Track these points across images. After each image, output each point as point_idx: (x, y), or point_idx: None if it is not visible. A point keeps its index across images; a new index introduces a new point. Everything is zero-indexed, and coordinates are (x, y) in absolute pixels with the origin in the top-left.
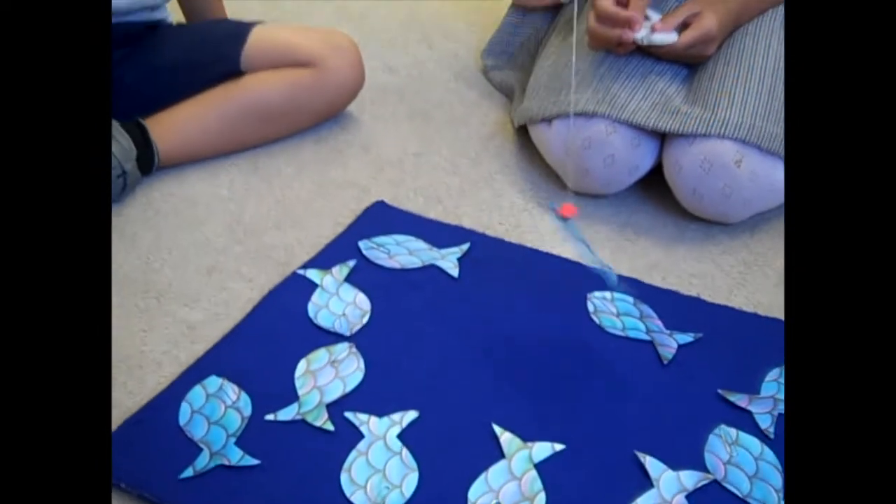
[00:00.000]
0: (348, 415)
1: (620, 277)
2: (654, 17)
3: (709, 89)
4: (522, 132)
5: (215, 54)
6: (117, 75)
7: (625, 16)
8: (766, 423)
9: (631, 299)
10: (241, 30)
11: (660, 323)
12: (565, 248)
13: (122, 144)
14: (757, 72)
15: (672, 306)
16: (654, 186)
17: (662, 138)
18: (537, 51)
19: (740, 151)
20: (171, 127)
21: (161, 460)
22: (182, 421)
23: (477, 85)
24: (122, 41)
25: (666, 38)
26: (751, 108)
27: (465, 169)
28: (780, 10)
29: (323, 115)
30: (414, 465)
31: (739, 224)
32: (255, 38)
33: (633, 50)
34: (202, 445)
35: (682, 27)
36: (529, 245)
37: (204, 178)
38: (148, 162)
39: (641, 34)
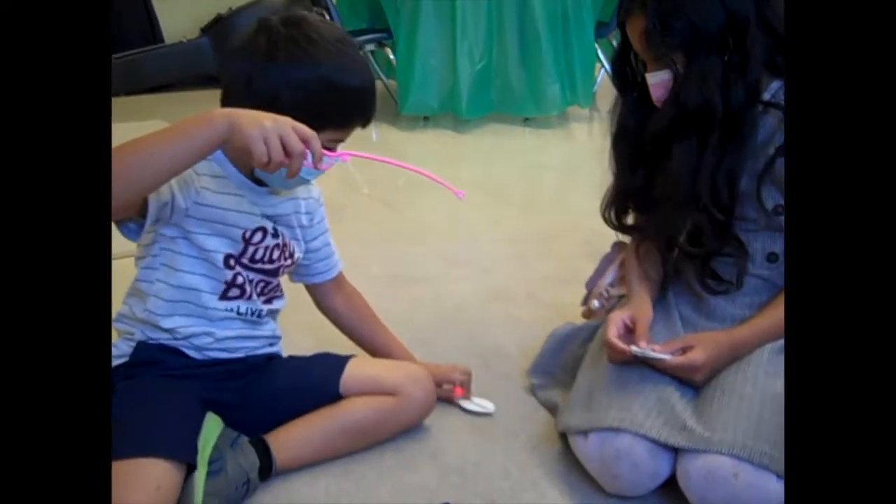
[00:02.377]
0: None
1: None
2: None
3: (709, 413)
4: (564, 440)
5: (320, 382)
6: (245, 398)
7: (621, 349)
8: None
9: None
10: (340, 362)
11: None
12: None
13: (248, 458)
14: (746, 401)
15: None
16: (675, 491)
17: (676, 449)
18: (575, 370)
19: (736, 466)
20: (286, 442)
21: None
22: None
23: (525, 402)
24: (246, 371)
25: (659, 356)
26: (741, 431)
27: (515, 475)
28: (769, 345)
29: (402, 431)
30: None
31: None
32: (350, 370)
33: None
34: None
35: (681, 351)
36: None
37: (306, 482)
38: (267, 471)
39: (641, 350)
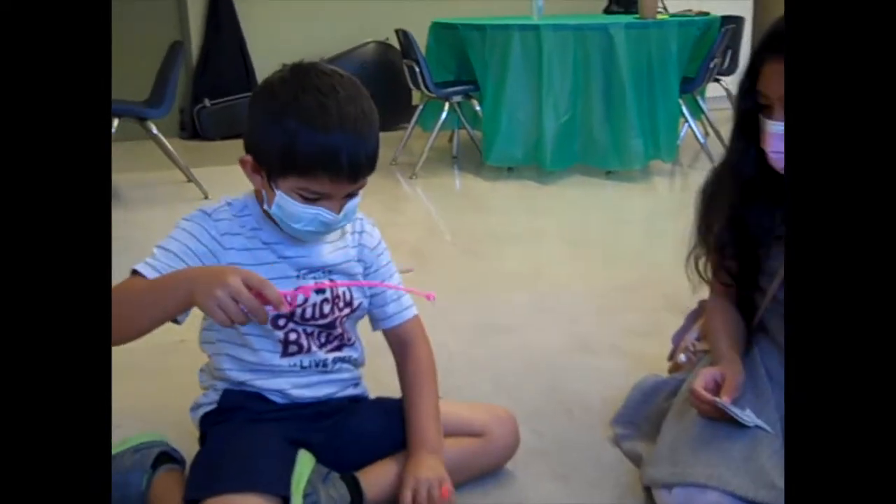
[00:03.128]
0: None
1: None
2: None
3: None
4: (649, 492)
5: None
6: (335, 437)
7: (706, 398)
8: None
9: None
10: None
11: None
12: None
13: (340, 492)
14: None
15: None
16: None
17: None
18: (659, 423)
19: None
20: (376, 479)
21: None
22: None
23: (609, 452)
24: (332, 412)
25: (743, 417)
26: None
27: None
28: None
29: (487, 472)
30: None
31: None
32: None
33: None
34: None
35: None
36: None
37: None
38: None
39: (724, 404)
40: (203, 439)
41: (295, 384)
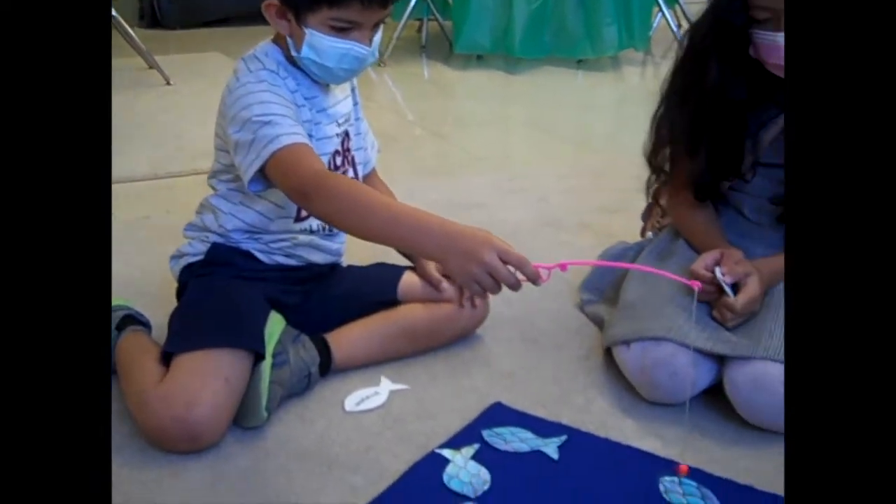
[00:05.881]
0: None
1: (689, 468)
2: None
3: (754, 326)
4: (610, 354)
5: (378, 288)
6: (308, 301)
7: (702, 274)
8: None
9: (695, 484)
10: (398, 270)
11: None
12: (642, 444)
13: (309, 353)
14: None
15: (729, 492)
16: (719, 398)
17: (722, 361)
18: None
19: (782, 373)
20: (345, 342)
21: None
22: None
23: (575, 317)
24: (312, 277)
25: (728, 289)
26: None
27: (564, 381)
28: None
29: (456, 338)
30: None
31: None
32: (408, 277)
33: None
34: None
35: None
36: (614, 439)
37: (363, 380)
38: (326, 367)
39: (720, 275)
40: (181, 291)
41: (299, 241)
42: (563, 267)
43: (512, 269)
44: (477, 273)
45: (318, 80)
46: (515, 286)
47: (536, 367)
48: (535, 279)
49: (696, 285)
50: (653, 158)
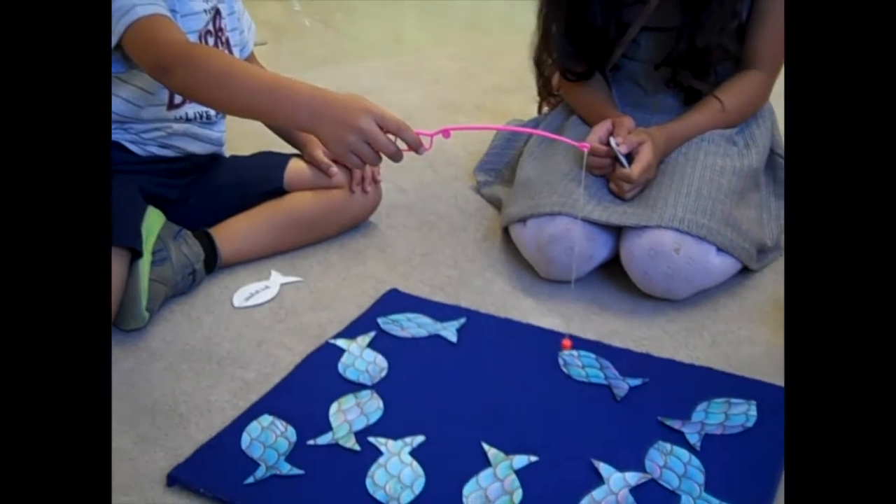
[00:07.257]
0: (371, 439)
1: (587, 340)
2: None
3: (649, 195)
4: (508, 235)
5: (263, 177)
6: (188, 195)
7: (604, 151)
8: (694, 439)
9: (593, 355)
10: (283, 159)
11: (616, 371)
12: (542, 322)
13: (192, 249)
14: (686, 179)
15: (626, 360)
16: (616, 272)
17: (618, 233)
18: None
19: (677, 241)
20: (230, 235)
21: (230, 472)
22: (244, 446)
23: (473, 200)
24: (192, 169)
25: (623, 159)
26: (682, 205)
27: (462, 264)
28: (718, 131)
29: (348, 226)
30: (421, 472)
31: (684, 300)
32: (294, 164)
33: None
34: (260, 462)
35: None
36: (514, 318)
37: (252, 275)
38: (212, 263)
39: (616, 145)
40: None
41: (164, 143)
42: (446, 133)
43: (392, 137)
44: (353, 142)
45: None
46: (396, 155)
47: (434, 251)
48: (416, 146)
49: (585, 147)
50: (539, 57)
